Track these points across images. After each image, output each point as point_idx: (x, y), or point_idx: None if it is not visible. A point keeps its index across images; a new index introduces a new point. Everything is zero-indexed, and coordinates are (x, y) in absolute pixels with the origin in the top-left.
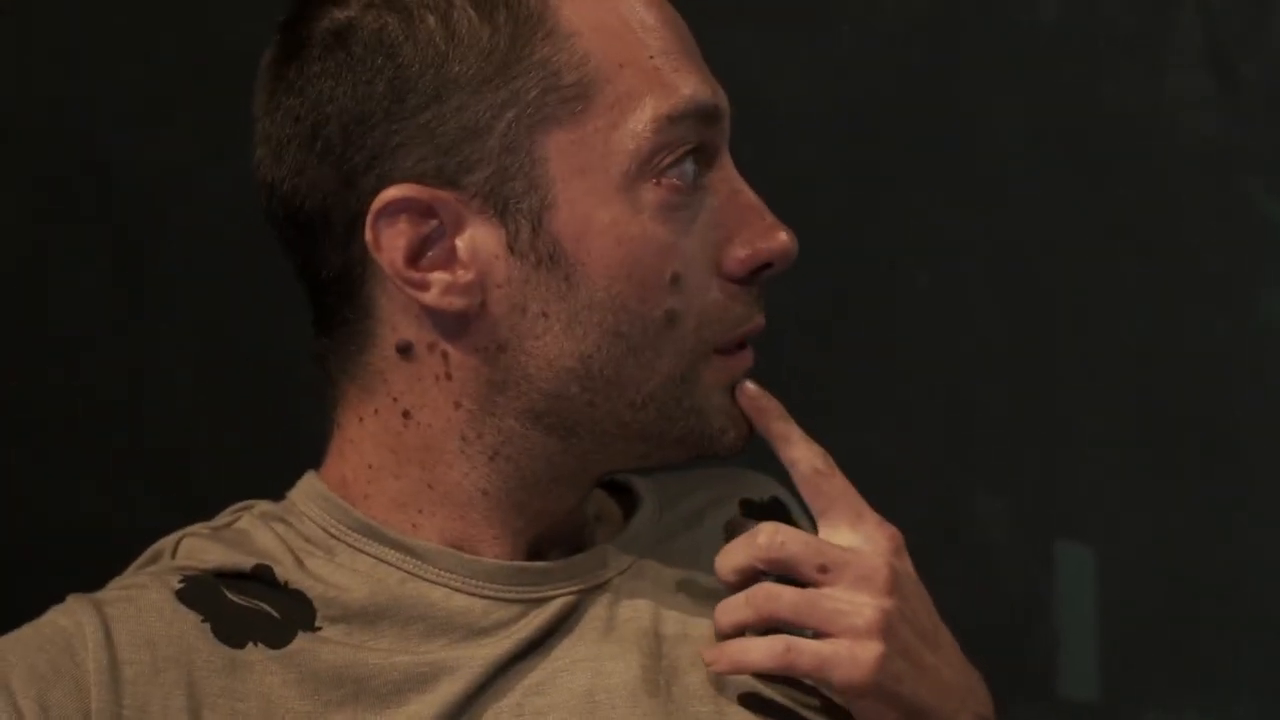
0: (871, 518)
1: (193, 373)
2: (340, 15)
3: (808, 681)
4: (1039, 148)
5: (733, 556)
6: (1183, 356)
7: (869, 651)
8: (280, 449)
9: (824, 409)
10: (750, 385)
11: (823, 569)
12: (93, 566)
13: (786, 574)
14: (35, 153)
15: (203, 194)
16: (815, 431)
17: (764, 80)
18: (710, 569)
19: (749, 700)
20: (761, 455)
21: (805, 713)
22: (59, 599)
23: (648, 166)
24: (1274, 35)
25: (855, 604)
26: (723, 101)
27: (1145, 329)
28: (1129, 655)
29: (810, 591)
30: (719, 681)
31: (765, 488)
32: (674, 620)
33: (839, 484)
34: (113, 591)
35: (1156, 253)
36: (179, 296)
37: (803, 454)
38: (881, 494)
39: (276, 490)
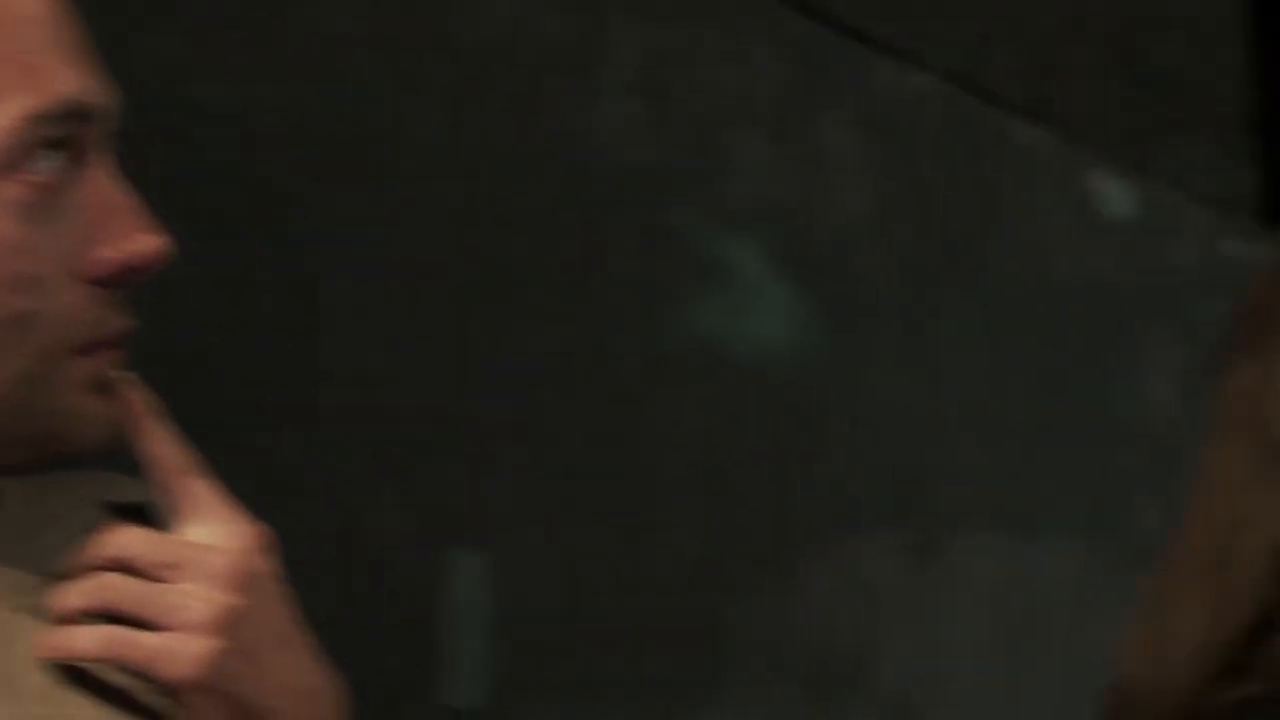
0: (233, 516)
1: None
2: None
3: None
4: (470, 164)
5: (78, 557)
6: (595, 372)
7: (200, 646)
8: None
9: (226, 411)
10: (124, 380)
11: (167, 566)
12: None
13: (133, 573)
14: None
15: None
16: (213, 431)
17: (189, 82)
18: (64, 573)
19: (90, 689)
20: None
21: (150, 700)
22: None
23: (8, 163)
24: (700, 64)
25: (196, 598)
26: (102, 100)
27: (562, 344)
28: (517, 663)
29: (151, 584)
30: (62, 678)
31: (135, 491)
32: (14, 623)
33: (200, 483)
34: None
35: (577, 271)
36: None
37: (164, 452)
38: (277, 498)
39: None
